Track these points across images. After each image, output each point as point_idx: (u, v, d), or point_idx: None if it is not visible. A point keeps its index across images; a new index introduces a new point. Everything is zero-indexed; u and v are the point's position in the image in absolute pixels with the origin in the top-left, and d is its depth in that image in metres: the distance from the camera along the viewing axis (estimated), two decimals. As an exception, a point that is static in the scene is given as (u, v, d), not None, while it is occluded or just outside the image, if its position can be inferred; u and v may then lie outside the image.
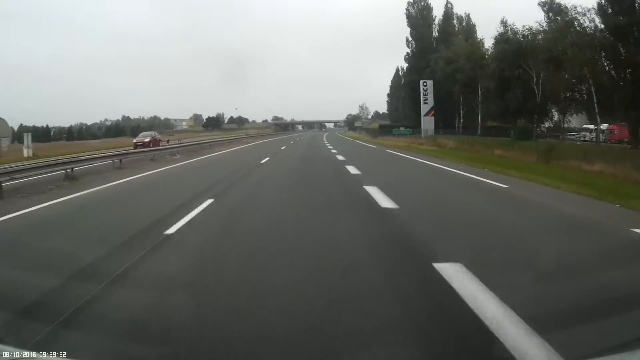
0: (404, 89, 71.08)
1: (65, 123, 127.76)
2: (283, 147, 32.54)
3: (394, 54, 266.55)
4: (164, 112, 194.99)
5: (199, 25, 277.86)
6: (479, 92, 48.71)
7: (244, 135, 61.67)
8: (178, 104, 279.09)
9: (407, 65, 68.05)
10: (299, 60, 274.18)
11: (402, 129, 42.19)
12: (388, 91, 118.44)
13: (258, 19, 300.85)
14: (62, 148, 41.17)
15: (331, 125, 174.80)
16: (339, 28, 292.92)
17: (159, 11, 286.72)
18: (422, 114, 50.40)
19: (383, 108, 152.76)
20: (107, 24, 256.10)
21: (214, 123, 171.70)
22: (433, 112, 50.65)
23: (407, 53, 63.07)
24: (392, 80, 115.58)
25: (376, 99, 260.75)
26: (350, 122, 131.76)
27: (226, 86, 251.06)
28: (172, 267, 4.63)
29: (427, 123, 49.54)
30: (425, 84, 50.78)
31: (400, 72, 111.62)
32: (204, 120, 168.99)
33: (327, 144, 39.48)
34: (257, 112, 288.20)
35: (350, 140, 55.45)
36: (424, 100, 50.48)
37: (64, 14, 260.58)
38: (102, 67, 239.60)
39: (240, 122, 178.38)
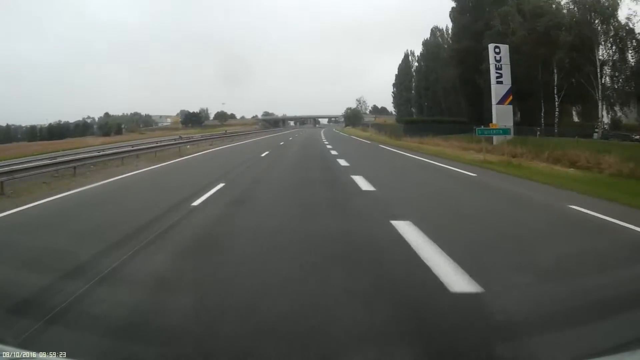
0: (441, 67, 50.15)
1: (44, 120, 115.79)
2: (216, 189, 10.03)
3: (392, 46, 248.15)
4: (153, 109, 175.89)
5: (189, 19, 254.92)
6: (597, 62, 27.91)
7: (192, 136, 39.91)
8: (168, 101, 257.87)
9: (451, 26, 47.43)
10: (291, 54, 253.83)
11: (494, 126, 20.92)
12: (394, 81, 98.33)
13: (251, 13, 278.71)
14: None
15: (325, 121, 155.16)
16: (334, 22, 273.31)
17: (147, 4, 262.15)
18: (493, 101, 29.39)
19: (382, 102, 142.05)
20: (93, 17, 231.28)
21: (194, 119, 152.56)
22: (510, 97, 29.72)
23: (452, 9, 41.76)
24: (399, 68, 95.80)
25: (373, 93, 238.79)
26: (351, 117, 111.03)
27: (217, 82, 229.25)
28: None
29: (503, 116, 28.43)
30: (497, 49, 29.66)
31: (410, 58, 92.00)
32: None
33: (339, 158, 18.79)
34: (249, 107, 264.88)
35: (369, 143, 34.17)
36: (497, 78, 29.43)
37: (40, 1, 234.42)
38: (88, 62, 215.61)
39: (222, 118, 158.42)
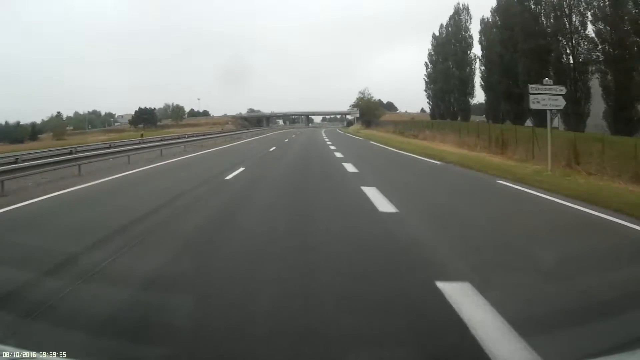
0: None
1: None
2: None
3: (390, 38, 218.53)
4: (126, 108, 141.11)
5: (175, 11, 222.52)
6: None
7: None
8: (150, 100, 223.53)
9: None
10: (284, 50, 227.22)
11: None
12: (426, 59, 65.21)
13: (243, 6, 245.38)
14: None
15: (318, 119, 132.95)
16: (332, 13, 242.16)
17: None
18: None
19: (387, 97, 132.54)
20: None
21: (147, 118, 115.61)
22: None
23: None
24: (436, 39, 63.75)
25: (374, 89, 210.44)
26: (365, 111, 77.93)
27: (203, 80, 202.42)
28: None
29: None
30: None
31: (462, 16, 60.00)
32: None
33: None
34: (236, 105, 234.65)
35: None
36: None
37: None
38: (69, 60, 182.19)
39: (176, 115, 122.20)
